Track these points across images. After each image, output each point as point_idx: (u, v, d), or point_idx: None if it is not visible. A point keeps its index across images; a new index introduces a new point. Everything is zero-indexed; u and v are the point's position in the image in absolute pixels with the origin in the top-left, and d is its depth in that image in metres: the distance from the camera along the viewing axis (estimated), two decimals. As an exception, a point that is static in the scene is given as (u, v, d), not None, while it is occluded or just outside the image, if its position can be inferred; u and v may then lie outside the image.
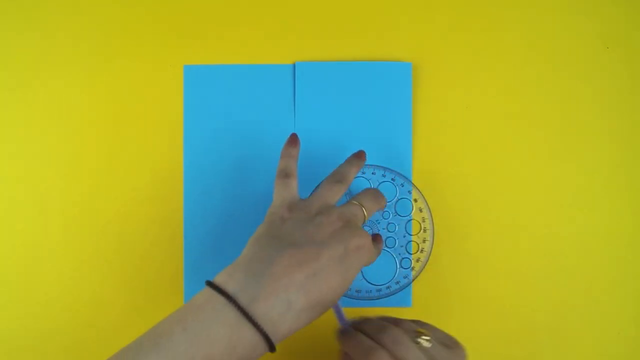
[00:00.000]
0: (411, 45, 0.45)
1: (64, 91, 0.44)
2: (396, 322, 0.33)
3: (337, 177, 0.36)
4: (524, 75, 0.45)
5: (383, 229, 0.43)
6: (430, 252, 0.42)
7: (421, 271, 0.42)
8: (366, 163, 0.41)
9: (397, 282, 0.42)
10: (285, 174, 0.35)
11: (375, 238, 0.38)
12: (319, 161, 0.43)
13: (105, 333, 0.42)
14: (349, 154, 0.39)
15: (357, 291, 0.42)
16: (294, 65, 0.44)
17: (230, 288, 0.28)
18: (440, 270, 0.43)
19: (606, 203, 0.44)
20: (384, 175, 0.43)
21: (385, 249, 0.43)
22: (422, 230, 0.43)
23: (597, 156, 0.44)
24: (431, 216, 0.42)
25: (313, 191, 0.36)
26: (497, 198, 0.44)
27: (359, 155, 0.39)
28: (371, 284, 0.42)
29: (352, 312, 0.38)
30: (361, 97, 0.44)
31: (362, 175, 0.43)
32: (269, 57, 0.44)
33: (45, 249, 0.43)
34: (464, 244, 0.43)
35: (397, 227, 0.43)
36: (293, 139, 0.38)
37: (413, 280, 0.42)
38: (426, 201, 0.42)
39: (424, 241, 0.43)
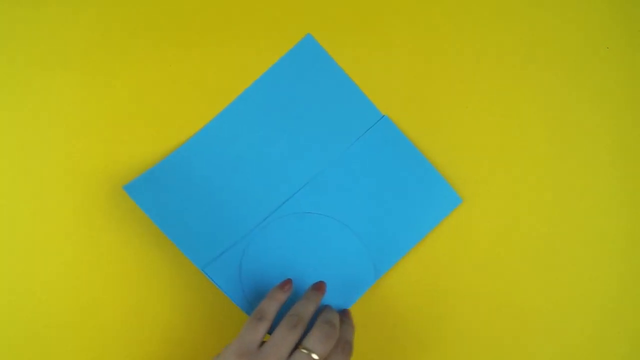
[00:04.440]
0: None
1: (64, 91, 0.44)
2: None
3: (294, 321, 0.34)
4: (524, 75, 0.45)
5: None
6: None
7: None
8: None
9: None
10: (260, 316, 0.35)
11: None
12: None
13: (106, 333, 0.42)
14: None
15: None
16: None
17: None
18: (440, 270, 0.43)
19: (606, 203, 0.44)
20: None
21: None
22: None
23: (597, 156, 0.44)
24: None
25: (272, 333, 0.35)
26: (497, 198, 0.44)
27: (318, 287, 0.38)
28: None
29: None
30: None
31: None
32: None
33: (46, 249, 0.43)
34: (463, 244, 0.43)
35: None
36: (285, 283, 0.38)
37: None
38: None
39: None
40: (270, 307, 0.36)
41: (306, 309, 0.36)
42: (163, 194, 0.41)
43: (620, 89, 0.45)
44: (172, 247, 0.42)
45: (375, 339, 0.43)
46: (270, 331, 0.36)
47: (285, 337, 0.34)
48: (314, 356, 0.33)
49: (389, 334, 0.43)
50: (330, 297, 0.40)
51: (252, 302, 0.40)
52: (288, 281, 0.38)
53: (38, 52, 0.44)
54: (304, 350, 0.33)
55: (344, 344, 0.36)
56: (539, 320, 0.43)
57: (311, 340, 0.34)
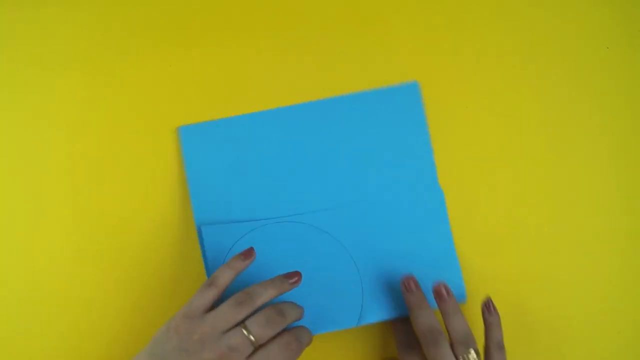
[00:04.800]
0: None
1: (64, 91, 0.44)
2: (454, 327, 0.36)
3: (241, 298, 0.34)
4: (524, 75, 0.45)
5: None
6: None
7: None
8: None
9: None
10: (210, 282, 0.35)
11: (298, 333, 0.35)
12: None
13: (106, 334, 0.42)
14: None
15: None
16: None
17: None
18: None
19: (606, 203, 0.44)
20: None
21: None
22: None
23: (597, 156, 0.44)
24: None
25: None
26: (497, 197, 0.44)
27: (289, 276, 0.37)
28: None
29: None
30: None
31: None
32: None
33: (46, 249, 0.42)
34: (463, 244, 0.43)
35: None
36: (247, 253, 0.37)
37: None
38: None
39: None
40: (224, 274, 0.35)
41: (263, 291, 0.35)
42: (208, 151, 0.42)
43: (620, 89, 0.45)
44: (173, 247, 0.42)
45: (373, 339, 0.43)
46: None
47: (227, 311, 0.33)
48: (251, 337, 0.32)
49: (389, 335, 0.43)
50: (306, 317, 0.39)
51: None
52: (250, 250, 0.37)
53: (38, 52, 0.44)
54: (244, 330, 0.33)
55: (290, 338, 0.34)
56: (538, 320, 0.43)
57: (253, 321, 0.33)
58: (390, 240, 0.41)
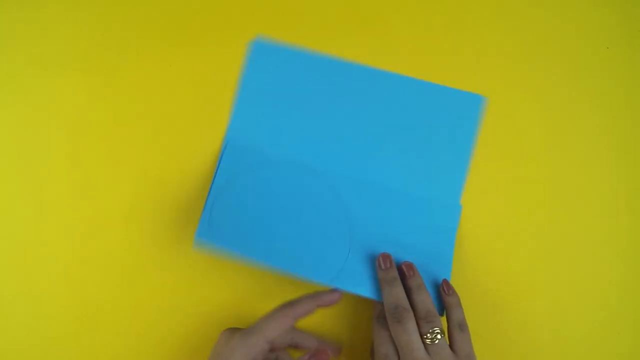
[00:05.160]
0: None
1: (64, 91, 0.44)
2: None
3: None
4: (524, 75, 0.45)
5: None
6: None
7: None
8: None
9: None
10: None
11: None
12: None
13: (106, 334, 0.42)
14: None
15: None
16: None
17: None
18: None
19: (606, 202, 0.44)
20: None
21: None
22: None
23: (597, 155, 0.44)
24: None
25: None
26: (497, 198, 0.44)
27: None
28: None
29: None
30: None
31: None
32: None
33: (46, 249, 0.43)
34: (463, 244, 0.43)
35: None
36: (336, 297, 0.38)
37: None
38: None
39: None
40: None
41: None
42: (268, 75, 0.43)
43: (620, 89, 0.44)
44: (173, 247, 0.42)
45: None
46: None
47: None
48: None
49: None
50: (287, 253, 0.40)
51: (212, 225, 0.40)
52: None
53: (38, 52, 0.44)
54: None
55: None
56: (539, 320, 0.43)
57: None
58: (392, 230, 0.42)
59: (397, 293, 0.36)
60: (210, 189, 0.41)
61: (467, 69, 0.44)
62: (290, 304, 0.37)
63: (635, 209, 0.44)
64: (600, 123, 0.44)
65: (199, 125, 0.43)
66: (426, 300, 0.36)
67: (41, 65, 0.44)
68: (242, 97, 0.43)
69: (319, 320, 0.42)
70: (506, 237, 0.43)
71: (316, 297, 0.37)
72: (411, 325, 0.34)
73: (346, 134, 0.43)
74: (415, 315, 0.35)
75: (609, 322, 0.43)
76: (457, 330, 0.36)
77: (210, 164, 0.43)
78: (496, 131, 0.44)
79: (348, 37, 0.45)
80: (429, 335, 0.34)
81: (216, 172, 0.42)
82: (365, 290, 0.40)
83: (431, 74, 0.44)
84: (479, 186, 0.44)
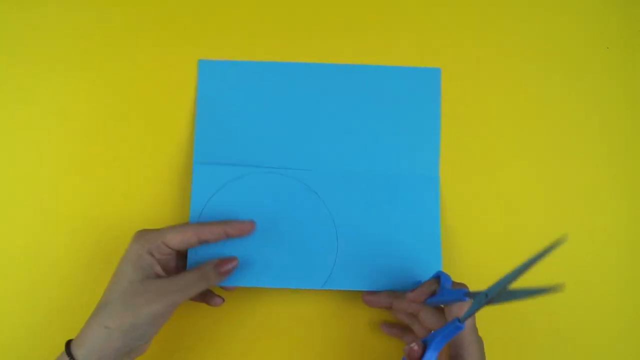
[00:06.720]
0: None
1: (64, 91, 0.44)
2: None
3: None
4: (524, 75, 0.45)
5: None
6: None
7: None
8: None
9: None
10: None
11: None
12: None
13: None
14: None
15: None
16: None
17: None
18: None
19: (606, 203, 0.44)
20: None
21: None
22: None
23: (597, 155, 0.44)
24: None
25: None
26: (495, 195, 0.44)
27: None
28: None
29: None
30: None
31: None
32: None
33: (47, 249, 0.42)
34: (463, 244, 0.43)
35: None
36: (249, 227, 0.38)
37: None
38: None
39: None
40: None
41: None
42: (221, 91, 0.43)
43: (620, 88, 0.45)
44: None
45: (372, 341, 0.43)
46: None
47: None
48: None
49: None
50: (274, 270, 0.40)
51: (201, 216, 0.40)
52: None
53: (38, 52, 0.44)
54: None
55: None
56: (539, 320, 0.43)
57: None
58: (377, 215, 0.41)
59: None
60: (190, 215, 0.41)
61: (467, 69, 0.45)
62: (201, 223, 0.37)
63: (635, 209, 0.44)
64: (600, 123, 0.44)
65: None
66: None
67: (41, 65, 0.44)
68: (200, 116, 0.43)
69: (319, 321, 0.42)
70: (505, 236, 0.43)
71: (226, 225, 0.37)
72: None
73: (313, 132, 0.43)
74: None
75: (609, 322, 0.43)
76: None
77: (210, 164, 0.43)
78: (496, 130, 0.44)
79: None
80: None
81: (191, 198, 0.41)
82: (359, 284, 0.40)
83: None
84: (478, 183, 0.44)
